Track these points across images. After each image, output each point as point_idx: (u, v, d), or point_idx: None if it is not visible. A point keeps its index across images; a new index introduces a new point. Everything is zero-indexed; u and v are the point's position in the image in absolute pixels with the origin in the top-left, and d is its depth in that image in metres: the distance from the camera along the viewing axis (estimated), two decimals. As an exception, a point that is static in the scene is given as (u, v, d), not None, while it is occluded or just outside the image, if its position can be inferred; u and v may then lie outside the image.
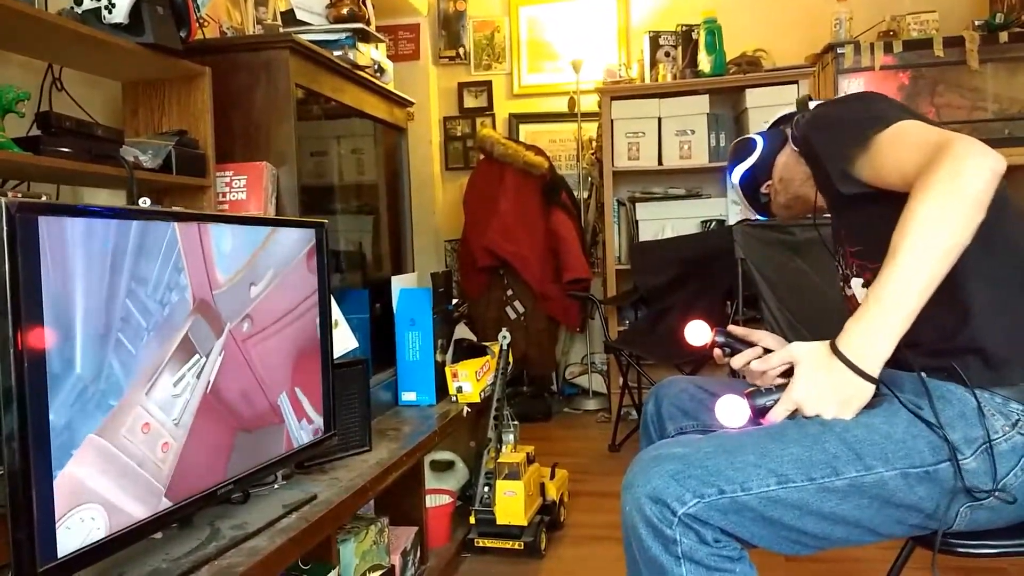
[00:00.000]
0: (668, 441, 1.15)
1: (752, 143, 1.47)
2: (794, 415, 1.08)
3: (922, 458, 1.01)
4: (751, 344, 1.28)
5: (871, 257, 1.16)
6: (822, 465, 1.01)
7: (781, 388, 1.08)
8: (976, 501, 1.02)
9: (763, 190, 1.48)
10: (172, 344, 1.13)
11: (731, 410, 1.11)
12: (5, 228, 0.86)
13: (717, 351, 1.32)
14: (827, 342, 1.06)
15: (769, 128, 1.49)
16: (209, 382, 1.21)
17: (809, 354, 1.07)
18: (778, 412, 1.08)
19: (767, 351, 1.25)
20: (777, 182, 1.44)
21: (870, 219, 1.15)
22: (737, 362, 1.27)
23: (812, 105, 1.35)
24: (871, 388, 1.03)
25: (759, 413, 1.09)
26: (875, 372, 1.02)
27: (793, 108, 1.41)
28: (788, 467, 1.01)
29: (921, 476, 1.01)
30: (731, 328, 1.32)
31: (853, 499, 1.02)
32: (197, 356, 1.18)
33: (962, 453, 1.01)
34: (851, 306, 1.26)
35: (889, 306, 1.00)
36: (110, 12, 1.56)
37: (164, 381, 1.11)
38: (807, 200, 1.40)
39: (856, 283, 1.24)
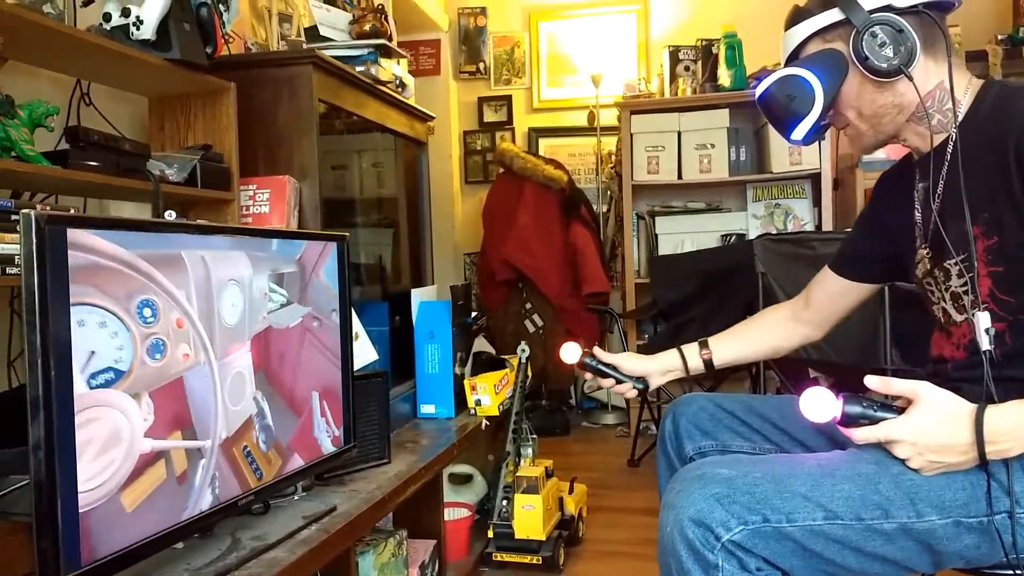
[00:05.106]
0: (713, 460, 1.11)
1: (807, 87, 1.11)
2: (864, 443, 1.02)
3: (979, 508, 0.98)
4: (612, 368, 1.43)
5: (1009, 289, 1.05)
6: (873, 507, 0.98)
7: (884, 407, 1.00)
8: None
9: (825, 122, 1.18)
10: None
11: (818, 405, 1.01)
12: (34, 240, 0.87)
13: (584, 371, 1.45)
14: (970, 404, 0.97)
15: (807, 56, 1.14)
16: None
17: (940, 403, 0.98)
18: (865, 435, 1.01)
19: (629, 377, 1.43)
20: (856, 119, 1.16)
21: None
22: (603, 384, 1.43)
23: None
24: (972, 465, 0.97)
25: (846, 420, 1.01)
26: (992, 458, 0.95)
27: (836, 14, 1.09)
28: (838, 504, 0.98)
29: (973, 526, 0.98)
30: (596, 351, 1.46)
31: (899, 542, 0.99)
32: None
33: (1021, 506, 0.97)
34: (949, 325, 1.16)
35: None
36: (138, 29, 1.59)
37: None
38: (900, 128, 1.15)
39: (983, 317, 1.03)
